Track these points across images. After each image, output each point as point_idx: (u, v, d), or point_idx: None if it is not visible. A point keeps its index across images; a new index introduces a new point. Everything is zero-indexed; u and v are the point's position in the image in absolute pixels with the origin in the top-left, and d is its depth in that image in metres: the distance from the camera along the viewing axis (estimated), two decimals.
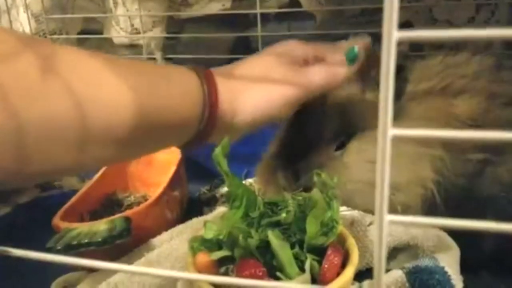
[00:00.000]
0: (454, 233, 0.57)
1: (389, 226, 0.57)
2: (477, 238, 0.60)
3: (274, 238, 0.45)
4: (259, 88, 0.54)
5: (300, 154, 0.62)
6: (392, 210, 0.53)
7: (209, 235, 0.48)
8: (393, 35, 0.19)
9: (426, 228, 0.56)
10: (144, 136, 0.48)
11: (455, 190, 0.59)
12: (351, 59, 0.57)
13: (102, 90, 0.43)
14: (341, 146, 0.63)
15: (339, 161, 0.62)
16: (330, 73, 0.56)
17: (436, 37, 0.19)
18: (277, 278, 0.45)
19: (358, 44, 0.59)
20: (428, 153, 0.59)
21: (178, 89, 0.49)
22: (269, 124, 0.58)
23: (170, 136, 0.52)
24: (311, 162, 0.61)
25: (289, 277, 0.44)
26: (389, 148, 0.21)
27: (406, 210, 0.59)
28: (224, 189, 0.87)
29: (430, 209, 0.59)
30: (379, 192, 0.22)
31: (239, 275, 0.43)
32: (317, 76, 0.55)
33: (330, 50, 0.61)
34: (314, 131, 0.63)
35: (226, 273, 0.46)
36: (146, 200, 0.75)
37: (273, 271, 0.45)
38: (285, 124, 0.67)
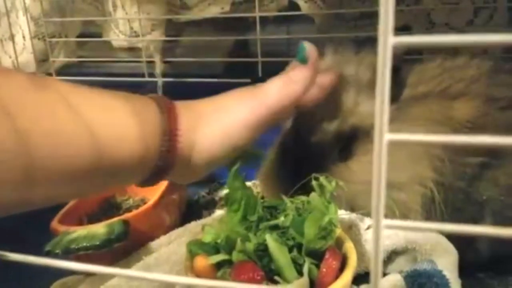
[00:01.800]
0: (452, 236, 0.57)
1: (388, 230, 0.57)
2: (475, 241, 0.60)
3: (272, 242, 0.45)
4: (216, 121, 0.50)
5: (303, 159, 0.62)
6: (393, 210, 0.53)
7: (207, 238, 0.48)
8: (388, 40, 0.19)
9: (425, 231, 0.56)
10: (101, 171, 0.43)
11: (454, 192, 0.60)
12: (301, 58, 0.52)
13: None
14: (345, 148, 0.63)
15: (344, 164, 0.62)
16: (286, 81, 0.51)
17: (431, 42, 0.19)
18: (275, 282, 0.45)
19: (306, 43, 0.54)
20: (427, 152, 0.59)
21: (137, 119, 0.45)
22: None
23: (126, 173, 0.46)
24: (316, 167, 0.60)
25: (287, 281, 0.44)
26: (385, 153, 0.21)
27: (407, 211, 0.59)
28: (223, 192, 0.87)
29: (429, 210, 0.59)
30: (375, 196, 0.22)
31: (237, 278, 0.43)
32: (274, 89, 0.51)
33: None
34: (316, 135, 0.63)
35: (223, 277, 0.46)
36: (144, 203, 0.75)
37: (271, 274, 0.45)
38: (285, 130, 0.67)
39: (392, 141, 0.20)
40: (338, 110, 0.62)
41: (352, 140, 0.62)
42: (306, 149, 0.62)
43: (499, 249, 0.60)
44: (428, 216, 0.59)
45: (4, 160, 0.34)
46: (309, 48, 0.52)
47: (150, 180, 0.49)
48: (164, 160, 0.47)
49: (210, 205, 0.86)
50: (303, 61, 0.52)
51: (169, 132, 0.47)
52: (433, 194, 0.58)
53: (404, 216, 0.59)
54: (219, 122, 0.49)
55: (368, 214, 0.59)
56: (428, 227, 0.21)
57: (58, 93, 0.40)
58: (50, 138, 0.37)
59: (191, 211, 0.84)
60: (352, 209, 0.59)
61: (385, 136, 0.20)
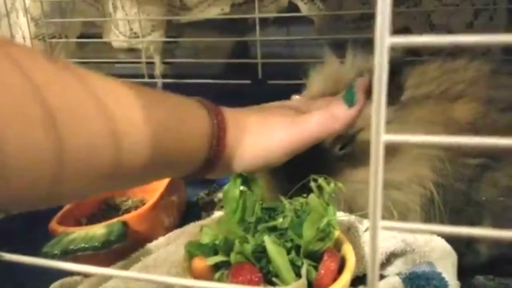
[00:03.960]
0: (451, 238, 0.56)
1: (386, 232, 0.57)
2: (474, 243, 0.60)
3: (270, 243, 0.45)
4: (259, 137, 0.52)
5: (303, 157, 0.62)
6: (391, 211, 0.53)
7: (205, 240, 0.48)
8: (385, 40, 0.19)
9: (423, 233, 0.56)
10: (151, 168, 0.44)
11: (454, 193, 0.59)
12: (349, 100, 0.55)
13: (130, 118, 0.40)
14: (344, 147, 0.62)
15: (343, 162, 0.62)
16: (328, 117, 0.54)
17: (429, 42, 0.19)
18: (273, 284, 0.45)
19: (357, 86, 0.56)
20: (427, 153, 0.59)
21: (189, 123, 0.47)
22: None
23: (174, 168, 0.49)
24: (315, 165, 0.60)
25: (285, 283, 0.44)
26: (382, 154, 0.20)
27: (405, 211, 0.59)
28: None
29: (429, 211, 0.59)
30: (372, 197, 0.22)
31: (235, 280, 0.43)
32: (315, 121, 0.54)
33: (334, 99, 0.59)
34: None
35: (221, 278, 0.45)
36: (143, 204, 0.75)
37: (269, 276, 0.45)
38: None
39: (389, 142, 0.20)
40: None
41: (352, 138, 0.62)
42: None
43: (499, 251, 0.60)
44: (427, 217, 0.59)
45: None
46: (359, 93, 0.55)
47: (189, 177, 0.51)
48: (207, 164, 0.49)
49: (209, 207, 0.86)
50: (351, 103, 0.54)
51: (217, 138, 0.49)
52: (432, 194, 0.58)
53: (403, 217, 0.58)
54: (262, 138, 0.52)
55: (366, 216, 0.59)
56: (425, 229, 0.21)
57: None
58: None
59: (191, 213, 0.83)
60: (351, 209, 0.59)
61: (382, 137, 0.20)
